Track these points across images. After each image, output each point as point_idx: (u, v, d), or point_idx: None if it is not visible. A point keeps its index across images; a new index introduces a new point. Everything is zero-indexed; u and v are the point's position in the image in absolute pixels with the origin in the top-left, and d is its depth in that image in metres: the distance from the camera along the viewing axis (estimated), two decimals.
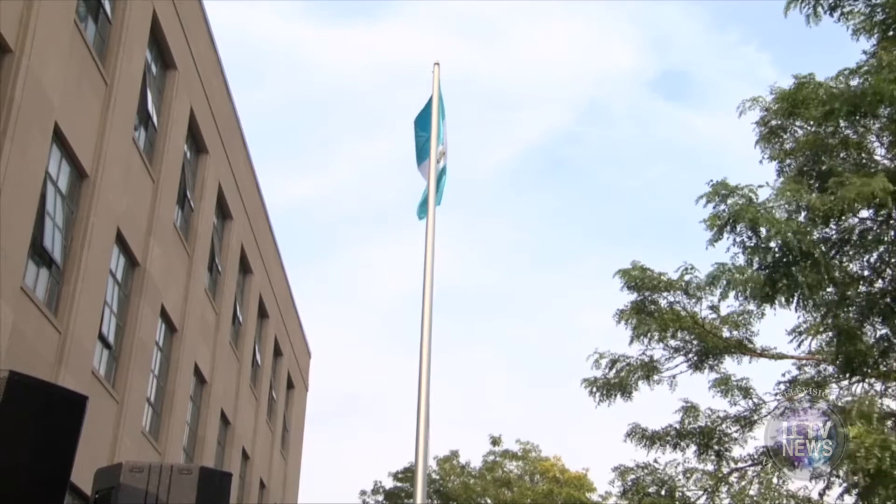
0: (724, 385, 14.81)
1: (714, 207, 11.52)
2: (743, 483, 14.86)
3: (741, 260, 11.73)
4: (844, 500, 12.38)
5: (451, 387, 67.48)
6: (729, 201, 11.37)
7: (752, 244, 11.24)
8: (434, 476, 36.54)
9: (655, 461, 15.38)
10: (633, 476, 15.37)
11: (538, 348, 71.61)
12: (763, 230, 10.97)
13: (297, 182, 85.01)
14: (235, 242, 23.24)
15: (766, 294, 11.47)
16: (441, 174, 10.39)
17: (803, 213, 11.34)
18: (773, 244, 11.12)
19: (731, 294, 12.08)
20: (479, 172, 74.30)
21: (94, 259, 13.96)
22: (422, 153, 10.62)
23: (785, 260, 11.09)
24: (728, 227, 11.31)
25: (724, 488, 15.02)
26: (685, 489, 15.02)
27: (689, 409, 15.30)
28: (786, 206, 11.18)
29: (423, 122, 10.70)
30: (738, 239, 11.38)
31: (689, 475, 15.17)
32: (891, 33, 12.01)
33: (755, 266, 11.43)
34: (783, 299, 11.57)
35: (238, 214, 23.25)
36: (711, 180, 11.61)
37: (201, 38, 19.42)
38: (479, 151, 76.79)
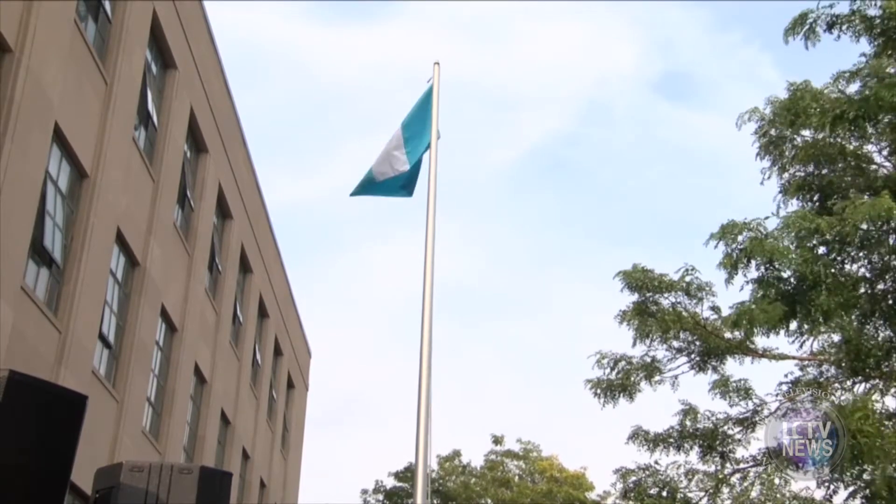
0: (723, 387, 14.80)
1: (726, 246, 11.74)
2: (745, 484, 14.83)
3: (749, 291, 11.99)
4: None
5: (453, 386, 67.50)
6: (739, 238, 11.57)
7: (767, 278, 11.45)
8: (434, 476, 36.51)
9: (657, 463, 15.35)
10: (634, 478, 15.34)
11: (540, 348, 71.66)
12: (776, 263, 11.16)
13: (297, 182, 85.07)
14: (235, 242, 23.23)
15: (784, 323, 11.70)
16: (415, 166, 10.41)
17: (814, 239, 11.45)
18: (786, 274, 11.30)
19: (755, 330, 12.31)
20: (481, 173, 74.40)
21: (95, 259, 13.94)
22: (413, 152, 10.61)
23: (802, 288, 11.25)
24: (742, 264, 11.54)
25: (725, 490, 14.98)
26: (687, 490, 14.98)
27: (689, 412, 15.27)
28: (795, 233, 11.31)
29: (417, 122, 10.59)
30: (750, 275, 11.65)
31: (690, 476, 15.13)
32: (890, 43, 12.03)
33: (771, 297, 11.60)
34: (800, 323, 11.81)
35: (238, 214, 23.23)
36: (721, 223, 11.94)
37: (201, 37, 19.41)
38: (480, 152, 76.82)
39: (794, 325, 12.17)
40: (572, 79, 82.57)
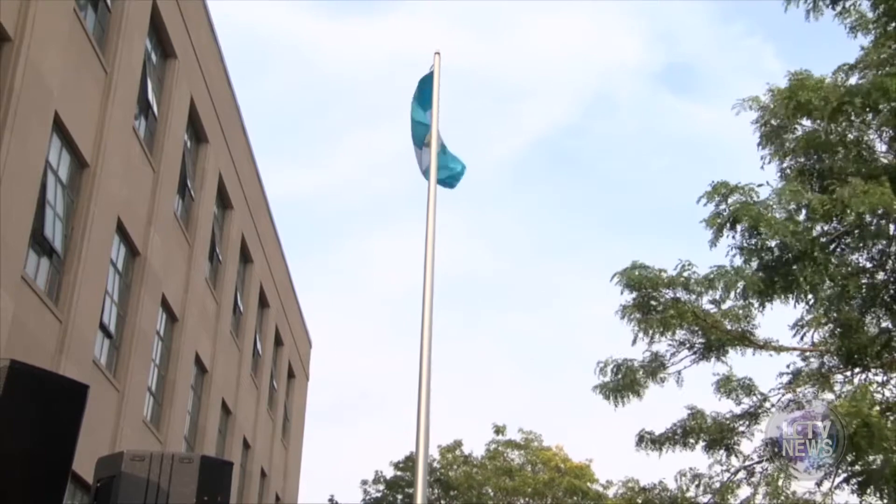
0: (726, 386, 14.83)
1: (715, 206, 11.58)
2: (752, 480, 14.86)
3: (738, 260, 11.84)
4: (843, 489, 12.43)
5: (455, 376, 67.63)
6: (729, 200, 11.42)
7: (751, 245, 11.32)
8: (435, 465, 36.61)
9: (661, 482, 15.53)
10: (641, 499, 15.46)
11: (541, 338, 71.71)
12: (763, 230, 11.02)
13: (299, 174, 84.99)
14: (236, 232, 23.22)
15: (764, 292, 11.56)
16: (442, 155, 10.38)
17: (804, 213, 11.36)
18: (771, 243, 11.18)
19: (731, 294, 12.23)
20: (484, 164, 74.24)
21: (95, 248, 13.94)
22: (417, 137, 10.62)
23: (784, 259, 11.14)
24: (728, 227, 11.39)
25: (731, 500, 15.02)
26: (694, 498, 15.06)
27: (696, 415, 15.30)
28: (785, 206, 11.21)
29: (423, 106, 10.61)
30: (736, 239, 11.49)
31: (697, 481, 15.21)
32: (891, 26, 11.92)
33: (753, 266, 11.49)
34: (782, 297, 11.66)
35: (238, 204, 23.21)
36: (713, 181, 11.70)
37: (202, 27, 19.35)
38: (483, 143, 76.69)
39: (778, 302, 12.05)
40: (576, 70, 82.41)
